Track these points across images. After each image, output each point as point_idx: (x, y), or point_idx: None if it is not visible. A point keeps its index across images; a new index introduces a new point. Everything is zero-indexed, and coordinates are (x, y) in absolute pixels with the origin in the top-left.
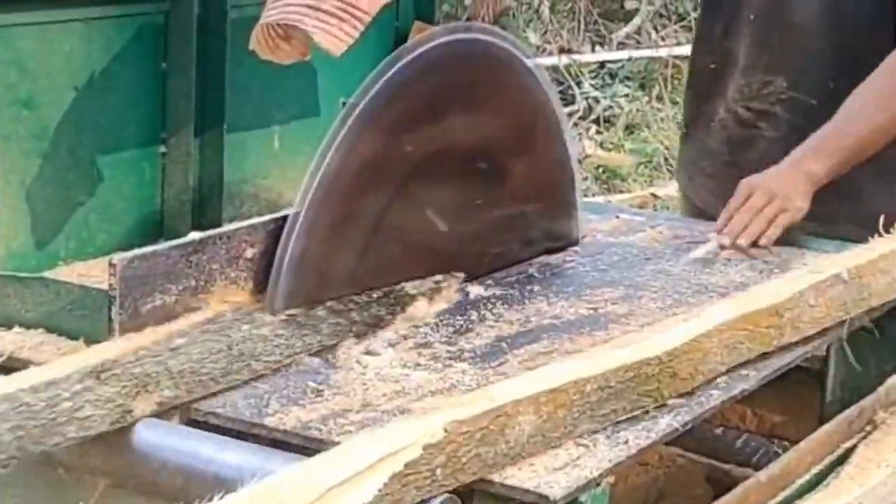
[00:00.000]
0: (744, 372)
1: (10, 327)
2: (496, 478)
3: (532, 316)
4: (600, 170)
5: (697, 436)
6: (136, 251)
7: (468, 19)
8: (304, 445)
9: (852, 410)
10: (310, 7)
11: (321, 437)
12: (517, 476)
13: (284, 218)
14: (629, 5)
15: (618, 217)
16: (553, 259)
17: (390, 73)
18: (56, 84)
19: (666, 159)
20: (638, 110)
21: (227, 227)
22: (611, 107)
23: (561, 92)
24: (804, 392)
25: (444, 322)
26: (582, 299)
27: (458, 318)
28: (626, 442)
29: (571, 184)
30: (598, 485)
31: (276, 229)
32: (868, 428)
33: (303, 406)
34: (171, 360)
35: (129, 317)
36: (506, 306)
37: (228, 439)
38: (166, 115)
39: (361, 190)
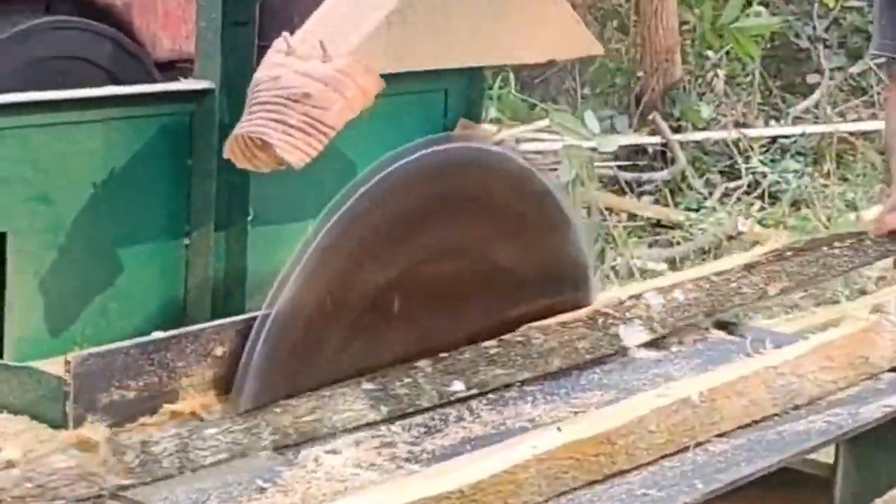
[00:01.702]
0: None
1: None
2: None
3: (509, 418)
4: (756, 246)
5: None
6: (95, 349)
7: (640, 94)
8: None
9: None
10: (276, 121)
11: None
12: None
13: (254, 319)
14: (811, 79)
15: None
16: None
17: (365, 188)
18: (73, 181)
19: None
20: (805, 187)
21: (194, 326)
22: (778, 182)
23: (728, 167)
24: (816, 498)
25: (418, 422)
26: (569, 403)
27: (435, 415)
28: None
29: (581, 279)
30: None
31: (246, 329)
32: None
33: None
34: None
35: (85, 410)
36: (488, 406)
37: None
38: (190, 209)
39: (335, 298)
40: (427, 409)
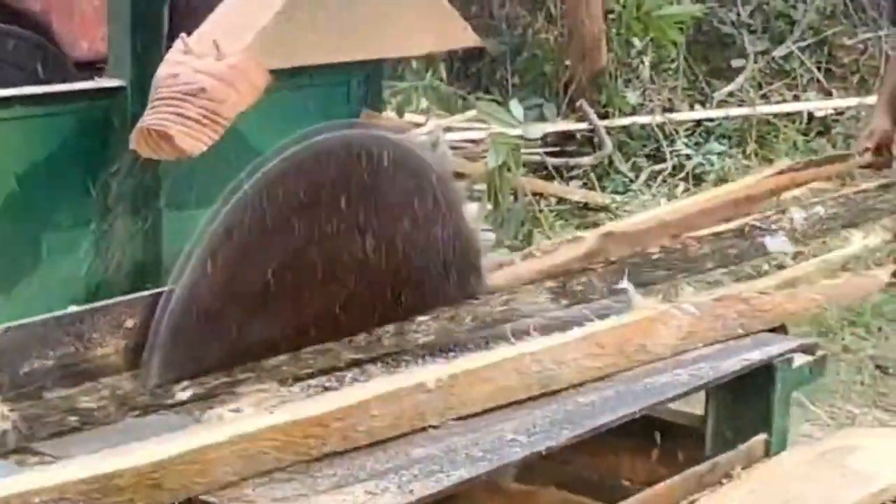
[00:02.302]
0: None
1: None
2: None
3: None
4: None
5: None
6: (15, 322)
7: (567, 81)
8: None
9: (705, 465)
10: (176, 114)
11: None
12: None
13: (160, 294)
14: (736, 63)
15: None
16: None
17: (261, 172)
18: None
19: None
20: (729, 168)
21: (107, 301)
22: (702, 164)
23: (654, 150)
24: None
25: (314, 383)
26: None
27: (333, 377)
28: (412, 491)
29: (470, 261)
30: None
31: (154, 303)
32: (723, 482)
33: None
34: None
35: (7, 378)
36: (381, 368)
37: None
38: (107, 197)
39: (236, 273)
40: (326, 372)
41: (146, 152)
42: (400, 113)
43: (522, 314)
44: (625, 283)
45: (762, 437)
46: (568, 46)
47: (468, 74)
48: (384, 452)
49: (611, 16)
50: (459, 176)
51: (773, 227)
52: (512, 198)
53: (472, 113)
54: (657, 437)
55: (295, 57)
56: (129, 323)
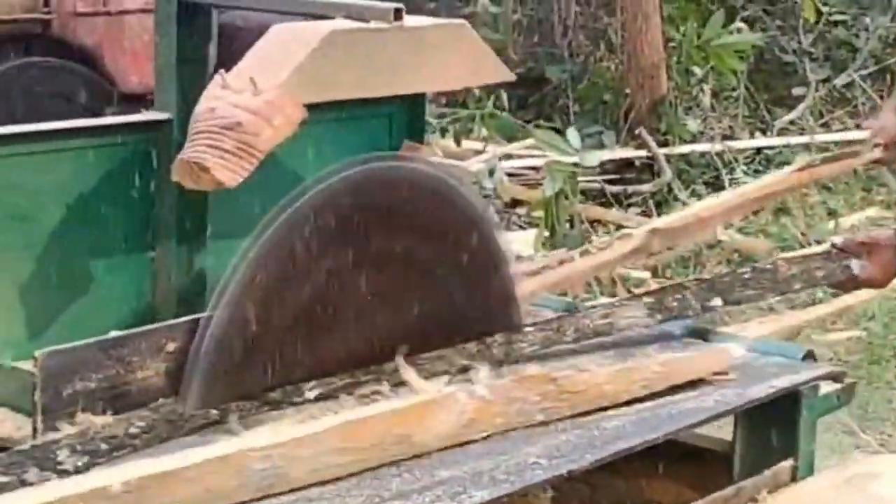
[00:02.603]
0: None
1: None
2: None
3: None
4: (736, 254)
5: None
6: (59, 346)
7: (627, 109)
8: None
9: (730, 490)
10: (213, 147)
11: None
12: None
13: (199, 319)
14: (797, 91)
15: None
16: None
17: (300, 201)
18: (48, 202)
19: (801, 245)
20: (787, 196)
21: (148, 326)
22: None
23: (713, 178)
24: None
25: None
26: None
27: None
28: None
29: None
30: None
31: (194, 328)
32: None
33: None
34: None
35: (51, 400)
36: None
37: None
38: (154, 225)
39: (272, 303)
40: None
41: (187, 183)
42: (457, 141)
43: (620, 327)
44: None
45: (789, 462)
46: (628, 74)
47: (530, 103)
48: (410, 474)
49: (671, 44)
50: (516, 203)
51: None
52: (568, 225)
53: (530, 141)
54: (688, 462)
55: (329, 92)
56: (170, 347)
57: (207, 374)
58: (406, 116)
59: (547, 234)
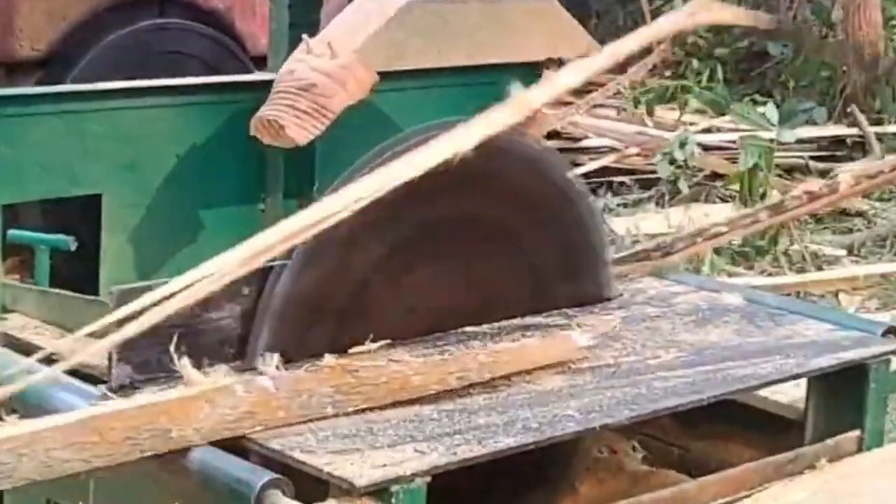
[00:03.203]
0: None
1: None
2: (321, 465)
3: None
4: None
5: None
6: (135, 284)
7: (843, 86)
8: None
9: (787, 455)
10: (289, 106)
11: None
12: (335, 464)
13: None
14: None
15: None
16: None
17: (378, 160)
18: (159, 153)
19: None
20: None
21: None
22: None
23: None
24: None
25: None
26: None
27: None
28: (456, 453)
29: (597, 249)
30: (411, 481)
31: (269, 273)
32: (805, 472)
33: None
34: None
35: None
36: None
37: None
38: (263, 180)
39: (347, 250)
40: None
41: (265, 139)
42: (650, 111)
43: None
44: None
45: (854, 433)
46: (845, 52)
47: (751, 77)
48: (449, 418)
49: (892, 22)
50: (717, 176)
51: None
52: (761, 199)
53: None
54: (766, 429)
55: (402, 60)
56: (245, 290)
57: (277, 321)
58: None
59: (742, 207)
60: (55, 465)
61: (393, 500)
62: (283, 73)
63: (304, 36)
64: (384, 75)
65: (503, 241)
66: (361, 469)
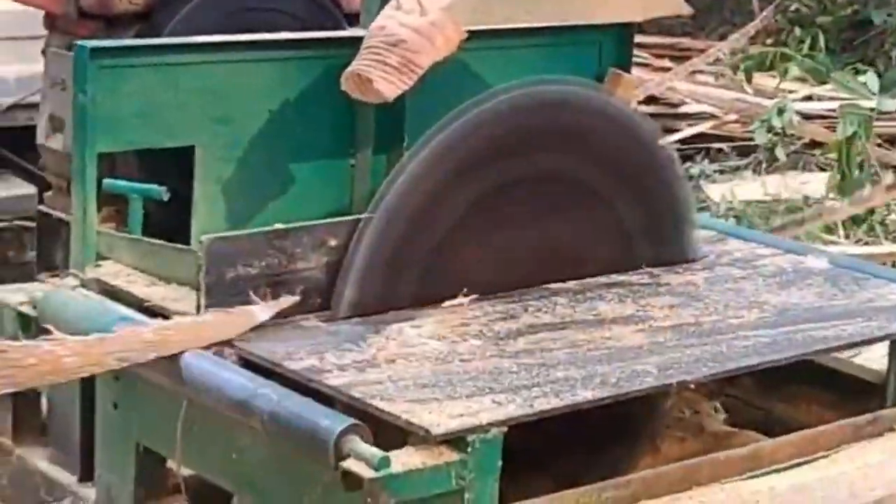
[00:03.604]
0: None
1: (171, 283)
2: (399, 413)
3: (579, 311)
4: None
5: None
6: (224, 233)
7: None
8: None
9: (866, 416)
10: (377, 61)
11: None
12: (413, 412)
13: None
14: None
15: None
16: None
17: (466, 116)
18: (252, 107)
19: None
20: None
21: (311, 222)
22: None
23: None
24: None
25: (499, 308)
26: (637, 303)
27: (516, 303)
28: (532, 405)
29: (683, 212)
30: (487, 431)
31: (354, 226)
32: (885, 434)
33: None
34: None
35: (215, 282)
36: (565, 299)
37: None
38: (354, 135)
39: (432, 204)
40: (513, 298)
41: (354, 93)
42: (748, 78)
43: None
44: None
45: None
46: None
47: (855, 45)
48: (528, 371)
49: None
50: (816, 144)
51: None
52: (858, 169)
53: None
54: (852, 393)
55: (490, 19)
56: (332, 242)
57: (362, 272)
58: (614, 45)
59: (838, 177)
60: None
61: (469, 450)
62: (374, 29)
63: None
64: (474, 33)
65: (591, 199)
66: (439, 418)
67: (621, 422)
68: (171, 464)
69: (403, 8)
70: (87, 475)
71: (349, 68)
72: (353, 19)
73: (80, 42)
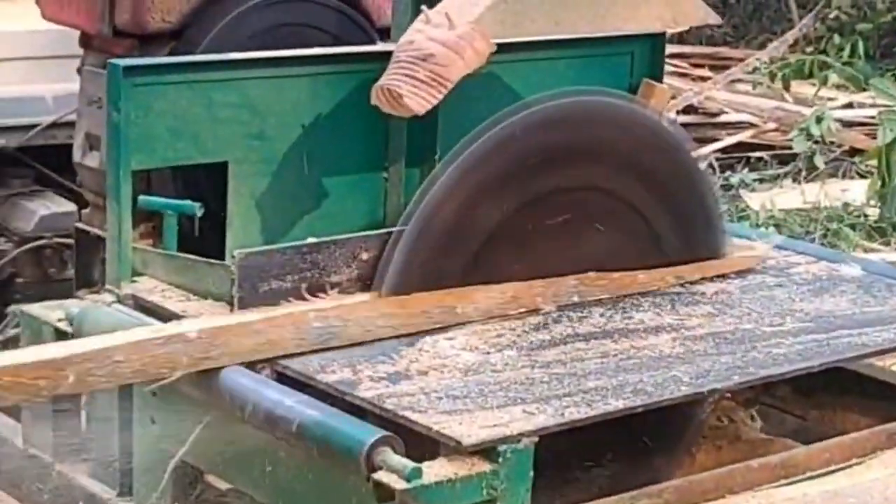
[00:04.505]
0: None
1: (205, 298)
2: (431, 424)
3: (613, 322)
4: None
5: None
6: (257, 248)
7: None
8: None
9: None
10: (407, 76)
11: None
12: (444, 423)
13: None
14: None
15: None
16: None
17: (498, 127)
18: (285, 123)
19: None
20: None
21: (344, 236)
22: None
23: None
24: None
25: (532, 320)
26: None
27: (550, 316)
28: (563, 415)
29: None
30: (518, 441)
31: (388, 239)
32: None
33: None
34: None
35: (247, 294)
36: (599, 310)
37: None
38: (387, 148)
39: (464, 217)
40: (548, 312)
41: (384, 108)
42: (786, 86)
43: None
44: None
45: None
46: None
47: (894, 52)
48: (559, 381)
49: None
50: (855, 151)
51: None
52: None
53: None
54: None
55: (519, 31)
56: (364, 256)
57: (394, 286)
58: (646, 56)
59: (879, 183)
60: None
61: (500, 460)
62: (403, 43)
63: (423, 7)
64: (506, 46)
65: (623, 210)
66: (470, 429)
67: (658, 431)
68: (208, 478)
69: (432, 22)
70: (126, 490)
71: (379, 83)
72: (384, 34)
73: (113, 60)
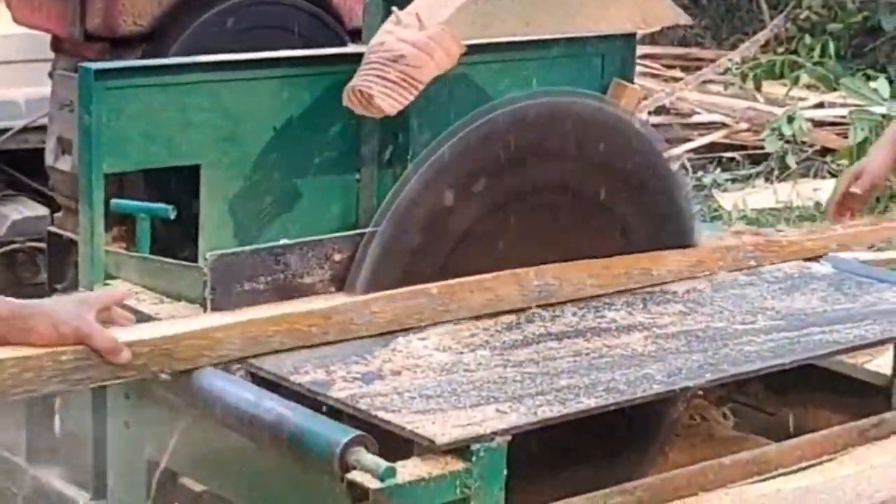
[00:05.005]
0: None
1: (178, 300)
2: (404, 423)
3: (585, 321)
4: None
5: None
6: (229, 249)
7: None
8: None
9: (871, 419)
10: (378, 77)
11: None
12: (418, 423)
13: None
14: None
15: None
16: None
17: (469, 128)
18: (257, 125)
19: None
20: None
21: (316, 237)
22: None
23: None
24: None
25: (505, 320)
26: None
27: (522, 316)
28: (536, 413)
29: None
30: (491, 440)
31: (360, 240)
32: (891, 437)
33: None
34: None
35: (220, 297)
36: (572, 310)
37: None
38: (359, 150)
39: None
40: (517, 311)
41: (356, 109)
42: (757, 87)
43: None
44: None
45: None
46: None
47: (865, 52)
48: (532, 380)
49: None
50: (826, 151)
51: None
52: None
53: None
54: (853, 395)
55: (489, 31)
56: (337, 257)
57: (367, 287)
58: (617, 56)
59: None
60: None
61: (473, 459)
62: (374, 45)
63: (394, 8)
64: (475, 47)
65: (597, 210)
66: (443, 428)
67: (631, 430)
68: (182, 480)
69: (403, 23)
70: (100, 493)
71: (350, 84)
72: (355, 36)
73: (84, 64)
